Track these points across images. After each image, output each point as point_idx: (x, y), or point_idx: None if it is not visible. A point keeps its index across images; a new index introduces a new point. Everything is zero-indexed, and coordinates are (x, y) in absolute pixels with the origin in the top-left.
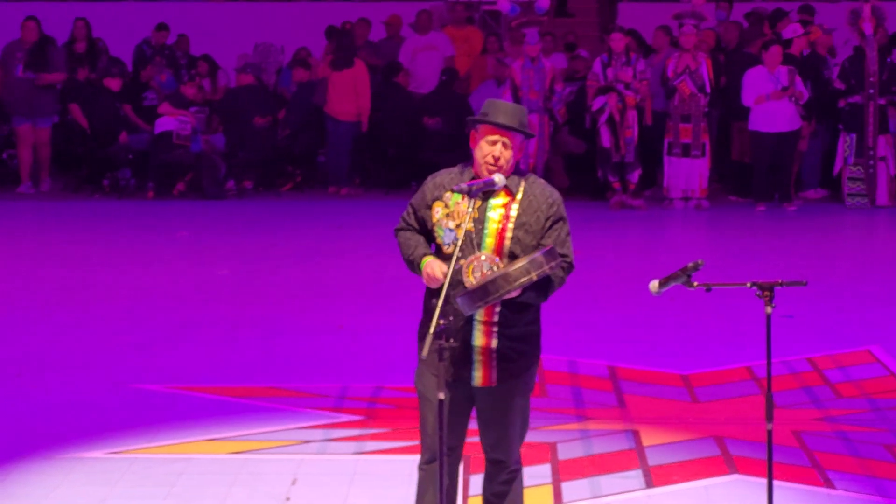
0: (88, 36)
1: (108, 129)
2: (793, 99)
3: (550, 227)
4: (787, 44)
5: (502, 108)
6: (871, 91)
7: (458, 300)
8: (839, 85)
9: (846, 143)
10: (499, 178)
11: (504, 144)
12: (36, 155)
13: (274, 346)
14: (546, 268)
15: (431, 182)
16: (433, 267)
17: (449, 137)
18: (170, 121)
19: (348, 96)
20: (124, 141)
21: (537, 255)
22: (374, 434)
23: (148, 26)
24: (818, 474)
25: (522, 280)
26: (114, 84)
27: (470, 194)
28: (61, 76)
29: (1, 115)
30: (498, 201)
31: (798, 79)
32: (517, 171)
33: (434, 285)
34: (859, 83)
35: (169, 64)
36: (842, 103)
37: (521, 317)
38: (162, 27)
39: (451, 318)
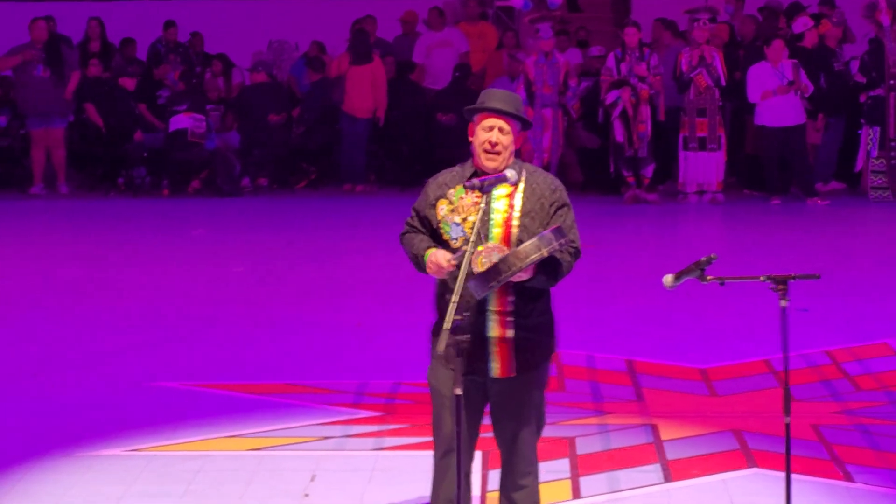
0: (102, 35)
1: (123, 128)
2: (798, 93)
3: (555, 212)
4: (798, 37)
5: (497, 96)
6: (892, 82)
7: (471, 283)
8: (860, 78)
9: (869, 136)
10: (511, 174)
11: (501, 129)
12: (50, 157)
13: (291, 342)
14: (556, 244)
15: (434, 182)
16: (437, 255)
17: (463, 133)
18: (184, 118)
19: (366, 92)
20: (139, 139)
21: (546, 232)
22: (393, 430)
23: (162, 25)
24: (837, 467)
25: (533, 256)
26: (128, 83)
27: (482, 190)
28: (77, 74)
29: (14, 115)
30: (502, 192)
31: (803, 72)
32: (516, 161)
33: (440, 275)
34: (880, 75)
35: (183, 62)
36: (863, 97)
37: (534, 306)
38: (170, 24)
39: (465, 315)
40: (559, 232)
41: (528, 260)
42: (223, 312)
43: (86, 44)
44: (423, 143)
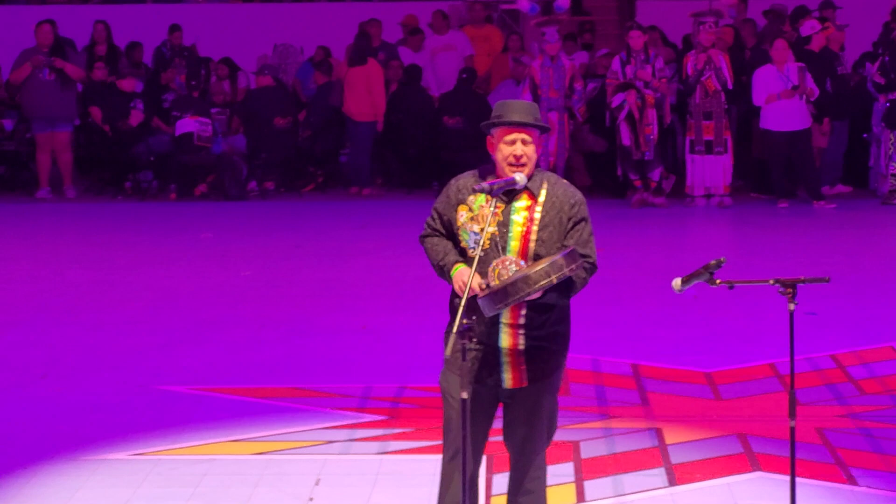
0: (109, 39)
1: (129, 132)
2: (803, 97)
3: (573, 227)
4: (805, 40)
5: (514, 107)
6: None
7: (480, 301)
8: (879, 79)
9: (891, 141)
10: (520, 178)
11: (523, 141)
12: (56, 161)
13: (297, 346)
14: (566, 270)
15: (455, 185)
16: (467, 276)
17: (469, 137)
18: (191, 122)
19: (364, 97)
20: (139, 121)
21: (557, 257)
22: (398, 434)
23: (167, 29)
24: (841, 471)
25: (542, 283)
26: (126, 84)
27: (491, 193)
28: (81, 72)
29: (20, 119)
30: (521, 204)
31: (808, 76)
32: (538, 170)
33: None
34: None
35: (188, 66)
36: (882, 100)
37: (546, 317)
38: (175, 28)
39: (473, 318)
40: (571, 256)
41: (536, 286)
42: (229, 316)
43: (92, 47)
44: (430, 146)
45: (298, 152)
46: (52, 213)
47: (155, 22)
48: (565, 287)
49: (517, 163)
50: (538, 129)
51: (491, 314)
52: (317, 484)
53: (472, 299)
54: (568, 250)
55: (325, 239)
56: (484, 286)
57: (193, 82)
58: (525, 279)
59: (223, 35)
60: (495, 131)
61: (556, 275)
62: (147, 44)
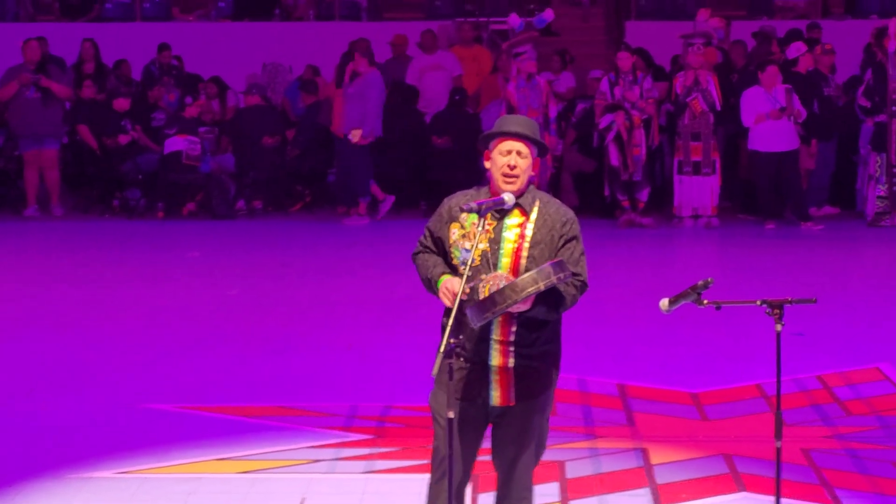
0: (96, 56)
1: (118, 150)
2: (791, 118)
3: (563, 245)
4: (792, 62)
5: (515, 120)
6: (894, 108)
7: (468, 311)
8: (864, 102)
9: (877, 163)
10: (508, 197)
11: (518, 153)
12: (43, 179)
13: (283, 365)
14: (553, 278)
15: (448, 203)
16: (453, 283)
17: (458, 157)
18: (179, 141)
19: None
20: (129, 139)
21: (545, 265)
22: (384, 453)
23: (156, 48)
24: (826, 492)
25: (529, 290)
26: (122, 104)
27: (480, 213)
28: (68, 91)
29: (8, 136)
30: (513, 221)
31: (795, 97)
32: (531, 190)
33: (452, 303)
34: (883, 101)
35: (177, 84)
36: (868, 122)
37: (537, 336)
38: (164, 47)
39: (461, 337)
40: (559, 266)
41: (524, 293)
42: (217, 334)
43: (80, 65)
44: (418, 165)
45: (286, 171)
46: (39, 231)
47: (144, 40)
48: (555, 303)
49: (511, 173)
50: (536, 147)
51: (479, 324)
52: (302, 503)
53: (462, 317)
54: (556, 260)
55: (312, 258)
56: (468, 289)
57: (188, 99)
58: (512, 286)
59: (212, 54)
60: (492, 143)
61: (544, 282)
62: (136, 62)
